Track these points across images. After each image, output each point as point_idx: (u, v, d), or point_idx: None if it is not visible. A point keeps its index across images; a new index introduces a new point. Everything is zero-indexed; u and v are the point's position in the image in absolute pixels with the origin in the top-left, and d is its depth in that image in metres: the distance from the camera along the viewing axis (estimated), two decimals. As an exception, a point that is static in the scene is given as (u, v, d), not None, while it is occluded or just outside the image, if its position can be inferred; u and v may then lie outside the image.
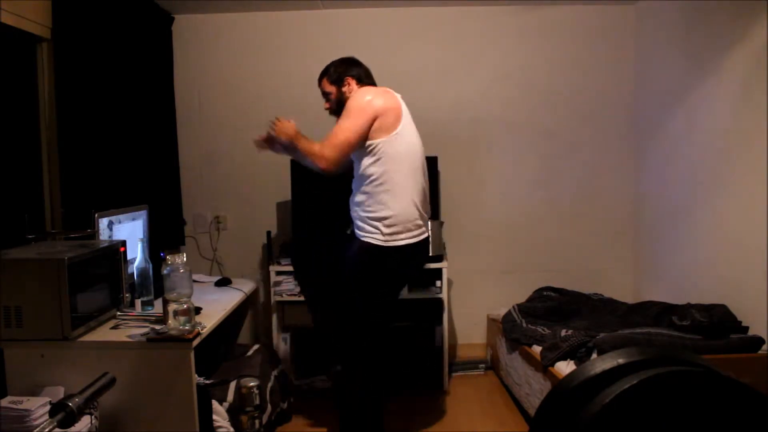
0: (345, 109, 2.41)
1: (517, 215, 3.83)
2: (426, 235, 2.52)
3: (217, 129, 3.81)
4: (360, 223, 2.43)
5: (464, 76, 3.77)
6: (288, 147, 2.50)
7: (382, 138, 2.37)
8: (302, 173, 3.56)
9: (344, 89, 2.54)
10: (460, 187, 3.80)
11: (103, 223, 2.51)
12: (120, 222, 2.67)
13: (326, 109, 2.62)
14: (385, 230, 2.37)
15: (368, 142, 2.37)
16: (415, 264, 2.61)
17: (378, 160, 2.37)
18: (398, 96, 2.51)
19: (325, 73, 2.60)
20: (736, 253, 2.76)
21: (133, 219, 2.82)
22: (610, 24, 3.73)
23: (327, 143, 2.35)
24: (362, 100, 2.39)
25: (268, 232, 3.62)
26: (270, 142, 2.54)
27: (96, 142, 2.80)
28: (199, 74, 3.78)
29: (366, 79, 2.57)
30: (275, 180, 3.72)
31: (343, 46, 3.70)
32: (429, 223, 2.59)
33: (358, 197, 2.44)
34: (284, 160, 3.57)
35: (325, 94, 2.60)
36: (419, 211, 2.45)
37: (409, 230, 2.41)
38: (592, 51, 3.75)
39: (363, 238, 2.40)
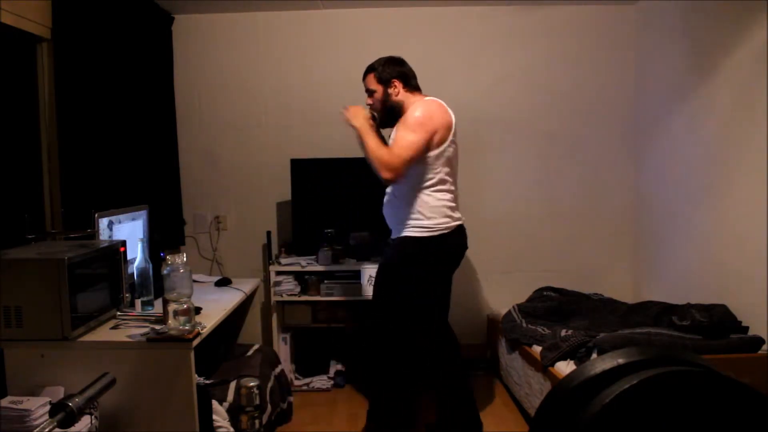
0: (409, 123, 2.46)
1: (517, 215, 3.83)
2: (461, 222, 2.61)
3: (217, 129, 3.81)
4: (407, 223, 2.51)
5: (464, 76, 3.77)
6: (358, 135, 2.56)
7: (437, 150, 2.48)
8: (302, 173, 3.57)
9: (390, 90, 2.60)
10: (461, 186, 3.77)
11: (103, 223, 2.51)
12: (120, 222, 2.67)
13: (368, 104, 2.66)
14: (431, 224, 2.48)
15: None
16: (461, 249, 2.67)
17: (430, 168, 2.48)
18: (444, 104, 2.59)
19: (373, 70, 2.64)
20: (735, 253, 2.76)
21: (133, 219, 2.82)
22: (610, 24, 3.73)
23: (397, 156, 2.41)
24: (426, 116, 2.47)
25: (268, 232, 3.62)
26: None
27: (96, 142, 2.80)
28: (199, 74, 3.78)
29: (412, 80, 2.64)
30: (275, 180, 3.72)
31: (343, 46, 3.73)
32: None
33: (406, 201, 2.51)
34: (284, 160, 3.59)
35: (369, 91, 2.65)
36: (455, 205, 2.59)
37: (449, 219, 2.52)
38: (592, 51, 3.75)
39: (410, 233, 2.50)
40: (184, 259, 2.22)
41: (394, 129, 2.57)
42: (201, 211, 3.84)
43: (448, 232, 2.50)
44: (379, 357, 2.64)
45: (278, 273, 3.40)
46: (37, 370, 2.04)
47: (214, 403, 2.34)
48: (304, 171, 3.56)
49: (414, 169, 2.47)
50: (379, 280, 2.63)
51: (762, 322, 2.52)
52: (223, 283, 3.10)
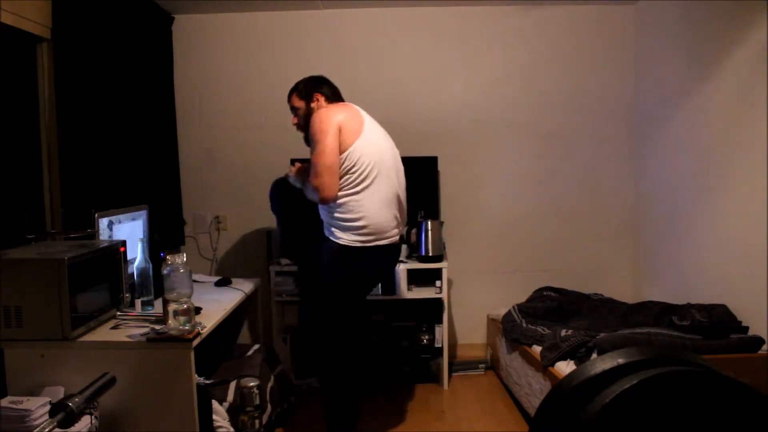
0: (311, 135, 2.42)
1: (517, 215, 3.83)
2: (396, 238, 2.56)
3: (217, 129, 3.81)
4: (332, 228, 2.45)
5: (464, 76, 3.77)
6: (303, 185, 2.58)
7: (348, 148, 2.39)
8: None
9: (313, 105, 2.58)
10: (460, 187, 3.80)
11: (103, 223, 2.51)
12: (120, 222, 2.67)
13: (294, 124, 2.67)
14: (357, 233, 2.40)
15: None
16: (385, 266, 2.65)
17: (348, 167, 2.38)
18: (357, 106, 2.54)
19: (295, 90, 2.64)
20: (736, 253, 2.76)
21: (133, 219, 2.82)
22: (610, 24, 3.74)
23: (314, 174, 2.36)
24: (321, 119, 2.41)
25: (268, 232, 3.62)
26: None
27: (96, 142, 2.80)
28: (199, 74, 3.78)
29: (333, 96, 2.60)
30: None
31: (343, 46, 3.73)
32: (403, 227, 2.63)
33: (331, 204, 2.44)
34: (284, 160, 3.58)
35: (294, 109, 2.64)
36: (393, 214, 2.49)
37: (381, 233, 2.44)
38: (592, 51, 3.75)
39: (336, 240, 2.43)
40: (184, 259, 2.22)
41: None
42: (201, 211, 3.84)
43: (373, 246, 2.43)
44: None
45: (278, 273, 3.40)
46: (37, 370, 2.04)
47: (214, 403, 2.34)
48: (304, 171, 3.56)
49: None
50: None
51: (762, 322, 2.52)
52: (223, 283, 3.09)
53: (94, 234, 2.43)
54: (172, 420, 2.06)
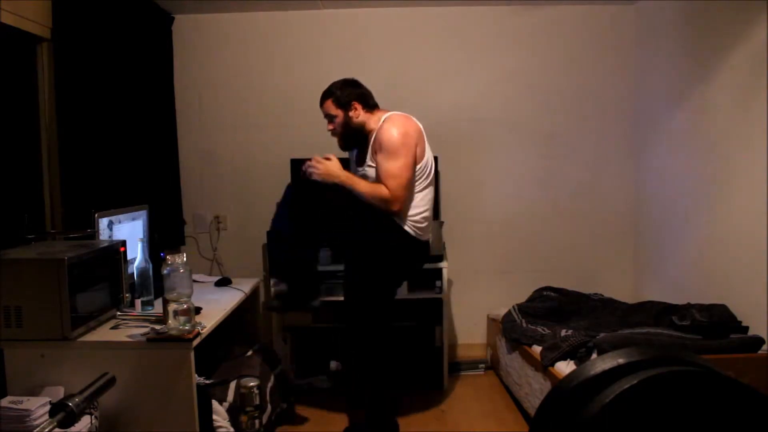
0: (392, 148, 2.44)
1: (517, 215, 3.83)
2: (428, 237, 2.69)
3: (217, 129, 3.81)
4: (378, 225, 2.53)
5: (464, 76, 3.77)
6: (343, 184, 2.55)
7: (420, 161, 2.53)
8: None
9: (351, 114, 2.58)
10: (460, 187, 3.80)
11: (103, 223, 2.51)
12: (120, 222, 2.67)
13: (329, 130, 2.66)
14: (409, 229, 2.54)
15: None
16: (418, 260, 2.75)
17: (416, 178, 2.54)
18: (410, 115, 2.61)
19: (330, 96, 2.61)
20: (736, 253, 2.76)
21: (133, 219, 2.82)
22: (610, 24, 3.73)
23: (397, 186, 2.43)
24: (407, 132, 2.48)
25: (269, 232, 3.62)
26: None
27: (96, 142, 2.80)
28: (199, 74, 3.78)
29: (370, 100, 2.62)
30: (275, 180, 3.71)
31: (343, 46, 3.73)
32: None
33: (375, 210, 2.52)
34: (284, 160, 3.59)
35: (329, 116, 2.63)
36: (429, 217, 2.65)
37: (423, 230, 2.60)
38: (592, 51, 3.75)
39: (382, 233, 2.53)
40: (184, 259, 2.22)
41: (369, 153, 2.56)
42: (201, 211, 3.84)
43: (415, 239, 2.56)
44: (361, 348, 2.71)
45: (278, 273, 3.40)
46: (37, 370, 2.04)
47: (214, 403, 2.34)
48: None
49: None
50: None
51: (762, 322, 2.52)
52: (223, 283, 3.10)
53: (94, 234, 2.43)
54: (172, 420, 2.06)
